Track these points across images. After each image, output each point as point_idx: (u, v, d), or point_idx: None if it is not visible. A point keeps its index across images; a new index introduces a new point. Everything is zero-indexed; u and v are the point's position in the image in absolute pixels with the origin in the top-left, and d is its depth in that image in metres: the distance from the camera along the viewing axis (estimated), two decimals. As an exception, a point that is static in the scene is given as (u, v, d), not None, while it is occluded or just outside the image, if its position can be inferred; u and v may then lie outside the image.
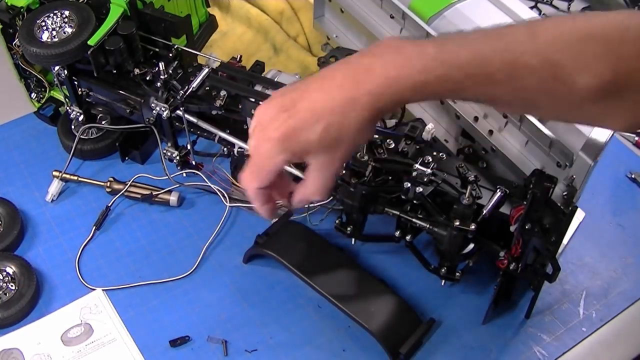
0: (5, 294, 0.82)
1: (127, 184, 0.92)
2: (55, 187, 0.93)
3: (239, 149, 0.84)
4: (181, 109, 0.85)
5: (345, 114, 0.59)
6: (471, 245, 0.77)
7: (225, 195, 0.90)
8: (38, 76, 0.98)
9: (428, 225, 0.75)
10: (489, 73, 0.59)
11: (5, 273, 0.83)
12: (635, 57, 0.57)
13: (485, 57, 0.59)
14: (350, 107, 0.59)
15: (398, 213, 0.77)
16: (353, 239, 0.83)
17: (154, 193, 0.91)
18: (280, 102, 0.61)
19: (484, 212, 0.72)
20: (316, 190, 0.64)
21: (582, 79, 0.57)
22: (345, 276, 0.82)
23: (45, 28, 0.85)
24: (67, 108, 0.95)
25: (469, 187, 0.73)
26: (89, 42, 0.83)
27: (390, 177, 0.77)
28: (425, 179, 0.75)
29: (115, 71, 0.88)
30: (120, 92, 0.89)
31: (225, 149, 0.87)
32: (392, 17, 0.90)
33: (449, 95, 0.68)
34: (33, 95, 1.01)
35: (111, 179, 0.93)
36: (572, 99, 0.60)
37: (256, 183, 0.63)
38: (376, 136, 0.80)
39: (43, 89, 1.01)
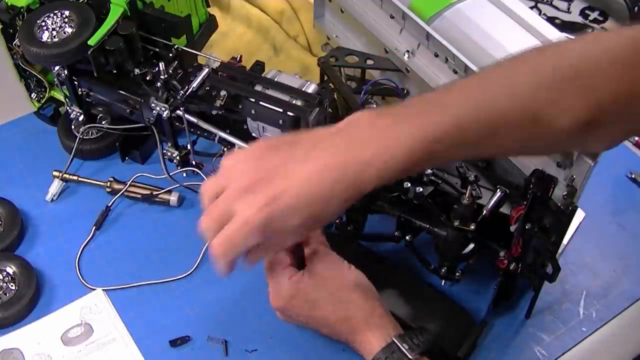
0: (5, 294, 0.82)
1: (127, 184, 0.92)
2: (55, 187, 0.93)
3: (239, 149, 0.84)
4: (181, 109, 0.85)
5: (328, 202, 0.58)
6: (471, 245, 0.77)
7: (225, 195, 0.90)
8: (38, 76, 0.98)
9: (428, 225, 0.75)
10: (471, 137, 0.59)
11: (5, 273, 0.83)
12: (607, 91, 0.57)
13: (466, 121, 0.58)
14: (335, 195, 0.58)
15: (398, 213, 0.77)
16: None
17: (154, 193, 0.91)
18: (255, 168, 0.58)
19: (484, 212, 0.73)
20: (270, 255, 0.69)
21: (560, 121, 0.58)
22: (394, 282, 0.81)
23: (45, 28, 0.85)
24: (67, 108, 0.95)
25: (469, 187, 0.73)
26: (89, 42, 0.83)
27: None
28: (425, 179, 0.75)
29: (115, 71, 0.88)
30: (121, 92, 0.89)
31: (225, 149, 0.87)
32: (392, 17, 0.90)
33: (434, 166, 0.71)
34: (33, 95, 1.01)
35: (111, 178, 0.93)
36: (551, 139, 0.61)
37: (227, 257, 0.61)
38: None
39: (43, 89, 1.01)
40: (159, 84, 0.85)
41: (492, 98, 0.58)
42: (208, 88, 0.86)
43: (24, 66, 0.96)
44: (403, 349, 0.67)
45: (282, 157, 0.59)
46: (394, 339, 0.68)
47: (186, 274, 0.86)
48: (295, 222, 0.58)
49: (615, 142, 0.63)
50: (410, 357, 0.66)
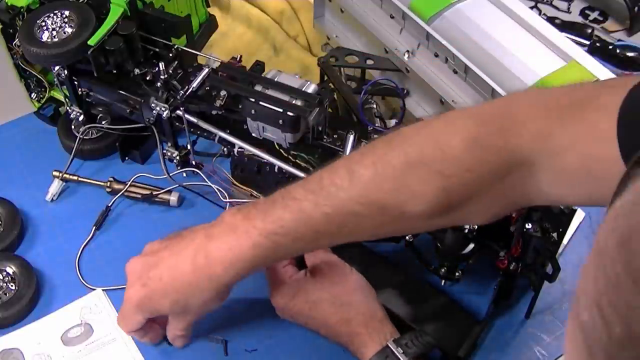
0: (5, 294, 0.82)
1: (127, 184, 0.92)
2: (55, 187, 0.93)
3: (239, 149, 0.84)
4: (181, 109, 0.85)
5: (187, 294, 0.67)
6: (471, 245, 0.77)
7: (226, 195, 0.90)
8: (38, 76, 0.98)
9: (428, 225, 0.75)
10: (318, 230, 0.60)
11: (5, 273, 0.83)
12: (462, 171, 0.56)
13: (309, 216, 0.60)
14: (192, 291, 0.66)
15: (398, 213, 0.77)
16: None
17: (154, 193, 0.91)
18: (141, 264, 0.69)
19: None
20: (180, 332, 0.74)
21: (412, 208, 0.58)
22: (394, 282, 0.81)
23: (45, 28, 0.85)
24: (67, 108, 0.95)
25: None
26: (89, 42, 0.83)
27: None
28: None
29: (115, 71, 0.88)
30: (121, 92, 0.89)
31: (225, 149, 0.87)
32: (392, 17, 0.90)
33: (291, 255, 0.72)
34: (33, 95, 1.01)
35: (111, 178, 0.93)
36: (413, 224, 0.61)
37: (125, 330, 0.75)
38: (376, 136, 0.80)
39: (43, 89, 1.01)
40: (159, 84, 0.85)
41: (334, 191, 0.59)
42: (208, 88, 0.86)
43: (24, 66, 0.96)
44: (397, 353, 0.67)
45: (161, 248, 0.69)
46: (388, 343, 0.68)
47: (186, 274, 0.85)
48: (165, 304, 0.68)
49: (496, 216, 0.62)
50: None
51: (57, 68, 0.88)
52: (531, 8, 1.14)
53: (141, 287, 0.68)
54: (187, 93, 0.84)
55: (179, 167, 0.92)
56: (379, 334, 0.70)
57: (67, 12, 0.86)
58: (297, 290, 0.73)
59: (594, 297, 0.32)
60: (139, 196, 0.92)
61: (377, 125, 0.86)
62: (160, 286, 0.67)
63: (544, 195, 0.56)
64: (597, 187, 0.51)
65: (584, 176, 0.52)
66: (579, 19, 1.20)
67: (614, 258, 0.31)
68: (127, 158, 0.97)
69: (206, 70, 0.85)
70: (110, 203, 0.92)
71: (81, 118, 0.94)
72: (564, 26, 1.15)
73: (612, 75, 0.80)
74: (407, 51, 0.89)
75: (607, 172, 0.47)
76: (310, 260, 0.74)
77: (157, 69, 0.85)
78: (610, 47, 1.08)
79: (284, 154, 0.82)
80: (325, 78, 0.92)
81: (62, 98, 0.96)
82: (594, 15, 1.21)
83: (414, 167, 0.57)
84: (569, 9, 1.22)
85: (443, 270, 0.79)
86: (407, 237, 0.78)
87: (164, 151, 0.91)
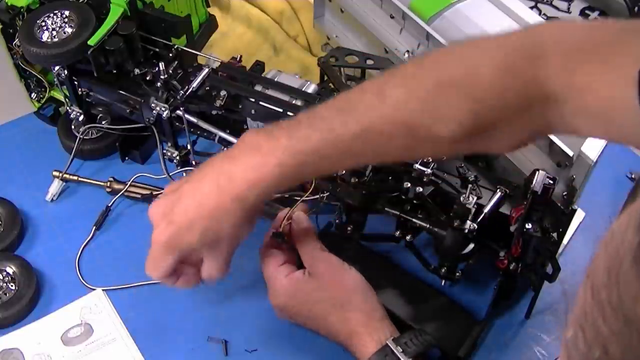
0: (5, 294, 0.82)
1: (127, 184, 0.92)
2: (55, 187, 0.93)
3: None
4: (181, 109, 0.85)
5: (216, 220, 0.64)
6: (471, 245, 0.77)
7: (225, 195, 0.90)
8: (38, 76, 0.98)
9: (428, 225, 0.75)
10: (345, 149, 0.60)
11: (5, 273, 0.83)
12: (489, 97, 0.56)
13: (338, 134, 0.60)
14: (220, 214, 0.64)
15: (398, 213, 0.77)
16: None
17: (154, 193, 0.91)
18: (163, 204, 0.67)
19: (484, 212, 0.73)
20: (215, 272, 0.70)
21: (440, 130, 0.58)
22: (394, 281, 0.81)
23: (45, 28, 0.85)
24: (67, 108, 0.95)
25: (469, 187, 0.73)
26: (89, 42, 0.83)
27: (390, 177, 0.77)
28: (425, 179, 0.75)
29: (115, 71, 0.88)
30: (121, 92, 0.89)
31: (225, 149, 0.87)
32: (392, 17, 0.90)
33: (318, 175, 0.71)
34: (33, 95, 1.01)
35: (111, 179, 0.93)
36: (439, 147, 0.61)
37: (155, 275, 0.69)
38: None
39: (43, 89, 1.01)
40: (159, 84, 0.85)
41: (364, 110, 0.59)
42: (208, 88, 0.85)
43: (24, 66, 0.96)
44: (396, 352, 0.67)
45: (181, 185, 0.67)
46: (387, 342, 0.68)
47: (186, 274, 0.85)
48: (194, 237, 0.65)
49: (519, 144, 0.62)
50: None
51: (57, 68, 0.88)
52: (531, 8, 1.14)
53: (167, 225, 0.65)
54: (187, 93, 0.84)
55: (179, 167, 0.92)
56: (378, 333, 0.70)
57: (67, 12, 0.86)
58: (296, 290, 0.73)
59: (579, 316, 0.32)
60: (139, 196, 0.92)
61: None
62: (186, 219, 0.64)
63: (564, 126, 0.57)
64: (612, 127, 0.53)
65: (602, 116, 0.53)
66: (579, 19, 1.20)
67: (601, 283, 0.31)
68: (127, 158, 0.98)
69: (206, 70, 0.85)
70: (110, 203, 0.92)
71: (81, 118, 0.94)
72: (564, 26, 1.15)
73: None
74: (407, 51, 0.89)
75: (624, 117, 0.49)
76: (308, 259, 0.74)
77: (157, 69, 0.85)
78: (610, 47, 1.08)
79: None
80: (325, 78, 0.92)
81: (62, 98, 0.96)
82: (594, 15, 1.21)
83: (444, 89, 0.58)
84: (569, 9, 1.22)
85: (443, 270, 0.79)
86: (407, 237, 0.78)
87: (164, 151, 0.91)
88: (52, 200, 0.93)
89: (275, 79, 0.81)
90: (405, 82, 0.59)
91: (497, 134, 0.59)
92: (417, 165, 0.74)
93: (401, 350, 0.67)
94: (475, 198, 0.72)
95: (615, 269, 0.31)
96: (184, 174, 0.92)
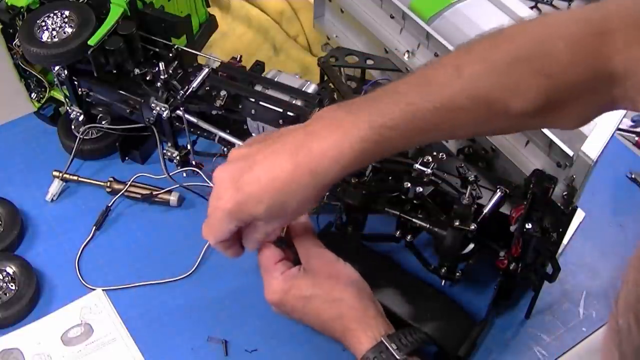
0: (5, 294, 0.82)
1: (127, 184, 0.92)
2: (55, 187, 0.93)
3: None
4: (181, 109, 0.85)
5: (287, 194, 0.63)
6: (471, 245, 0.77)
7: (225, 195, 0.90)
8: (38, 76, 0.98)
9: (428, 225, 0.75)
10: (425, 123, 0.60)
11: (5, 273, 0.83)
12: (562, 72, 0.58)
13: (418, 109, 0.60)
14: (293, 188, 0.62)
15: (398, 213, 0.77)
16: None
17: (154, 193, 0.91)
18: (232, 170, 0.65)
19: (484, 212, 0.73)
20: (262, 238, 0.69)
21: (515, 105, 0.59)
22: (395, 281, 0.81)
23: (45, 28, 0.85)
24: (67, 108, 0.95)
25: (469, 187, 0.73)
26: (89, 42, 0.83)
27: (390, 177, 0.77)
28: (425, 179, 0.75)
29: (115, 71, 0.88)
30: (121, 92, 0.89)
31: (225, 149, 0.87)
32: (392, 17, 0.90)
33: (392, 152, 0.69)
34: (33, 95, 1.01)
35: (111, 179, 0.93)
36: (511, 122, 0.61)
37: (212, 240, 0.69)
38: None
39: (43, 89, 1.01)
40: (159, 84, 0.85)
41: (443, 85, 0.60)
42: (208, 88, 0.85)
43: (24, 66, 0.96)
44: (391, 349, 0.67)
45: (252, 152, 0.65)
46: (382, 338, 0.68)
47: (186, 274, 0.86)
48: (261, 208, 0.63)
49: (585, 120, 0.63)
50: (397, 357, 0.67)
51: (57, 68, 0.88)
52: (531, 8, 1.14)
53: (235, 192, 0.63)
54: (187, 93, 0.84)
55: (179, 167, 0.92)
56: (372, 330, 0.69)
57: (67, 12, 0.86)
58: (290, 286, 0.73)
59: (633, 303, 0.33)
60: (139, 196, 0.92)
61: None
62: (257, 188, 0.63)
63: (627, 102, 0.58)
64: None
65: None
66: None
67: None
68: (127, 158, 0.98)
69: (206, 70, 0.85)
70: (110, 203, 0.92)
71: (81, 118, 0.94)
72: (564, 26, 1.15)
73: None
74: (407, 51, 0.89)
75: None
76: (304, 256, 0.74)
77: (157, 69, 0.85)
78: (610, 47, 1.08)
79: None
80: (325, 78, 0.92)
81: (62, 98, 0.96)
82: (594, 15, 1.21)
83: (519, 63, 0.58)
84: (568, 9, 1.22)
85: (443, 270, 0.79)
86: (407, 237, 0.78)
87: (164, 151, 0.91)
88: (52, 200, 0.93)
89: (275, 79, 0.81)
90: (483, 57, 0.60)
91: (566, 110, 0.60)
92: (417, 165, 0.74)
93: (395, 347, 0.68)
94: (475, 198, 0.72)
95: None
96: (184, 175, 0.92)
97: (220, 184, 0.65)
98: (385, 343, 0.68)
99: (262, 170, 0.63)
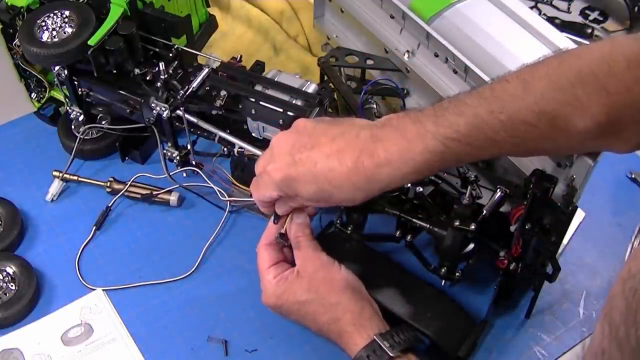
0: (5, 294, 0.82)
1: (127, 184, 0.92)
2: (55, 187, 0.93)
3: (239, 149, 0.84)
4: (181, 109, 0.85)
5: (338, 188, 0.64)
6: (471, 245, 0.77)
7: (226, 195, 0.90)
8: (38, 76, 0.98)
9: (428, 225, 0.75)
10: (490, 136, 0.60)
11: (5, 273, 0.83)
12: (623, 92, 0.58)
13: (484, 121, 0.60)
14: (346, 186, 0.64)
15: (398, 213, 0.77)
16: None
17: (154, 193, 0.91)
18: (294, 140, 0.66)
19: (484, 212, 0.72)
20: (289, 206, 0.72)
21: (579, 122, 0.59)
22: (395, 281, 0.81)
23: (45, 28, 0.85)
24: (67, 108, 0.95)
25: (469, 187, 0.73)
26: (89, 42, 0.83)
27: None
28: (425, 179, 0.74)
29: (115, 71, 0.88)
30: (121, 92, 0.89)
31: (225, 149, 0.87)
32: (392, 17, 0.90)
33: (454, 165, 0.71)
34: (33, 95, 1.01)
35: (111, 179, 0.93)
36: (572, 141, 0.61)
37: (255, 197, 0.71)
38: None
39: (43, 89, 1.01)
40: (159, 84, 0.85)
41: (509, 99, 0.60)
42: (208, 88, 0.85)
43: (24, 66, 0.96)
44: (384, 347, 0.68)
45: (317, 131, 0.66)
46: (375, 337, 0.69)
47: (186, 274, 0.86)
48: (308, 190, 0.65)
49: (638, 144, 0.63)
50: (391, 354, 0.67)
51: (57, 68, 0.88)
52: (531, 8, 1.14)
53: (290, 164, 0.65)
54: (187, 93, 0.84)
55: (179, 167, 0.92)
56: (367, 330, 0.70)
57: (67, 12, 0.86)
58: (285, 290, 0.73)
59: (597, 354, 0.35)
60: (139, 196, 0.92)
61: (377, 125, 0.86)
62: (312, 170, 0.64)
63: None
64: None
65: None
66: (579, 19, 1.20)
67: (620, 321, 0.32)
68: (127, 158, 0.98)
69: (206, 70, 0.85)
70: (111, 203, 0.92)
71: (81, 118, 0.94)
72: (564, 26, 1.15)
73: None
74: (407, 51, 0.89)
75: None
76: (300, 259, 0.74)
77: (157, 69, 0.85)
78: (610, 47, 1.08)
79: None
80: (325, 78, 0.92)
81: (62, 98, 0.96)
82: (594, 15, 1.21)
83: (583, 80, 0.59)
84: (569, 9, 1.22)
85: (443, 270, 0.79)
86: (407, 237, 0.78)
87: (164, 151, 0.91)
88: (52, 200, 0.93)
89: (275, 79, 0.81)
90: (549, 74, 0.60)
91: (626, 132, 0.60)
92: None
93: (388, 345, 0.68)
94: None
95: (634, 308, 0.31)
96: (184, 175, 0.92)
97: (278, 147, 0.66)
98: (378, 341, 0.68)
99: (322, 157, 0.64)
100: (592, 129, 0.59)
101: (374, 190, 0.64)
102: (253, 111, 0.80)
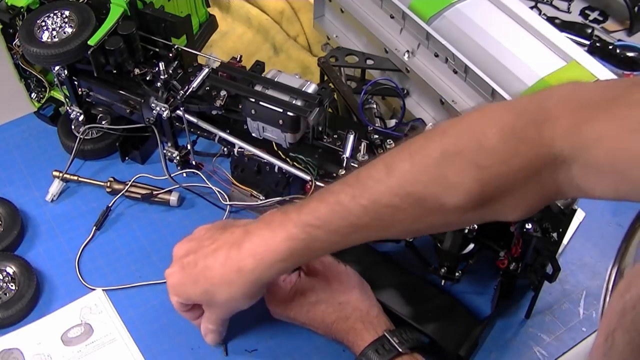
0: (5, 294, 0.82)
1: (127, 184, 0.92)
2: (55, 187, 0.93)
3: (239, 149, 0.84)
4: (181, 109, 0.85)
5: (217, 286, 0.67)
6: (471, 245, 0.77)
7: (225, 195, 0.90)
8: (38, 76, 0.98)
9: (428, 225, 0.75)
10: (353, 222, 0.60)
11: (5, 273, 0.83)
12: (496, 163, 0.56)
13: (345, 207, 0.60)
14: (221, 282, 0.67)
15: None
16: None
17: (154, 193, 0.91)
18: (186, 248, 0.71)
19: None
20: (210, 325, 0.74)
21: (449, 200, 0.57)
22: (396, 280, 0.82)
23: (45, 28, 0.85)
24: (67, 108, 0.95)
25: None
26: (89, 42, 0.83)
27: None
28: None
29: (115, 71, 0.88)
30: (121, 92, 0.89)
31: (225, 149, 0.87)
32: (392, 17, 0.90)
33: (326, 251, 0.70)
34: (33, 95, 1.01)
35: (111, 179, 0.93)
36: (448, 217, 0.60)
37: (172, 301, 0.73)
38: (376, 136, 0.80)
39: (43, 89, 1.01)
40: (159, 84, 0.85)
41: (371, 184, 0.60)
42: (208, 88, 0.86)
43: (24, 66, 0.96)
44: (393, 342, 0.68)
45: (206, 236, 0.70)
46: (384, 332, 0.70)
47: (186, 274, 0.85)
48: (196, 291, 0.69)
49: (531, 210, 0.60)
50: (400, 350, 0.68)
51: (57, 68, 0.88)
52: (531, 8, 1.14)
53: (178, 269, 0.70)
54: (187, 93, 0.84)
55: (179, 167, 0.92)
56: (375, 327, 0.71)
57: (67, 12, 0.86)
58: (294, 293, 0.74)
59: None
60: (139, 196, 0.92)
61: (377, 125, 0.86)
62: (193, 272, 0.68)
63: (575, 189, 0.56)
64: (622, 181, 0.52)
65: (610, 170, 0.53)
66: (579, 19, 1.20)
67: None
68: (127, 158, 0.98)
69: (206, 70, 0.85)
70: (111, 203, 0.92)
71: (81, 118, 0.94)
72: (564, 26, 1.15)
73: (613, 76, 0.80)
74: (407, 51, 0.89)
75: (633, 167, 0.49)
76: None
77: (157, 69, 0.85)
78: (610, 47, 1.08)
79: (282, 155, 0.82)
80: (325, 78, 0.92)
81: (62, 98, 0.96)
82: (594, 15, 1.21)
83: (450, 158, 0.57)
84: (569, 9, 1.22)
85: (443, 270, 0.79)
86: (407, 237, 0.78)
87: (164, 151, 0.91)
88: (52, 200, 0.93)
89: (275, 79, 0.81)
90: (412, 154, 0.59)
91: (506, 202, 0.58)
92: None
93: (397, 341, 0.69)
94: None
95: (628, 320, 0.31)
96: (184, 175, 0.92)
97: (175, 254, 0.71)
98: (388, 336, 0.69)
99: (201, 257, 0.68)
100: (466, 204, 0.57)
101: (251, 285, 0.66)
102: (253, 111, 0.80)
